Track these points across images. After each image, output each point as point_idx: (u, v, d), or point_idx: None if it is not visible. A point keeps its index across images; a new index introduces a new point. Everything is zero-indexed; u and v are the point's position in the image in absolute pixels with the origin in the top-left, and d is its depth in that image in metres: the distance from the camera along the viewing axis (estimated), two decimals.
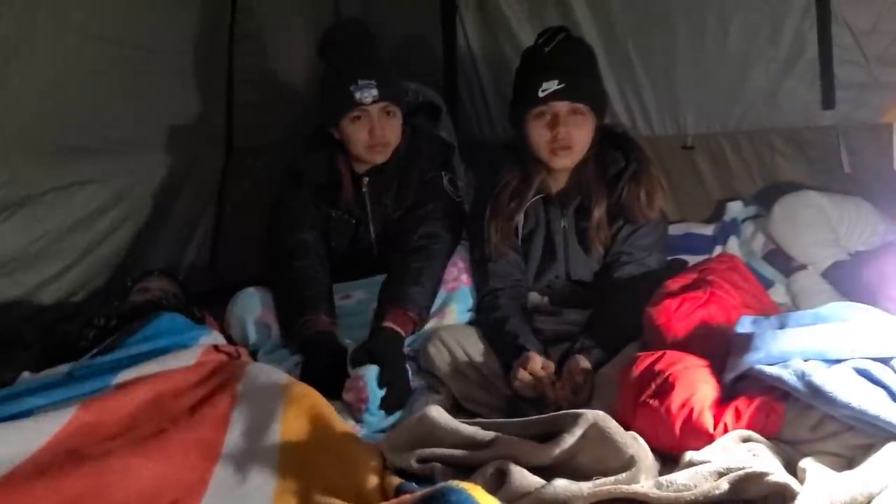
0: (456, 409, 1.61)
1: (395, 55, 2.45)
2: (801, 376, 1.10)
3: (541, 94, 1.72)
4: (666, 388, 1.20)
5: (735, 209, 2.32)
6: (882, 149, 2.18)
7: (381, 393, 1.56)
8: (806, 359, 1.16)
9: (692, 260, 2.15)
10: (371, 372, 1.57)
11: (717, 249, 2.24)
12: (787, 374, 1.12)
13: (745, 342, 1.21)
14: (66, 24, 1.99)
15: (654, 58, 2.36)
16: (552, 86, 1.72)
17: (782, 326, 1.23)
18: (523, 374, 1.53)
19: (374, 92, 1.90)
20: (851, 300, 2.01)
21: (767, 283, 2.06)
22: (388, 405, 1.58)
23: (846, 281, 2.07)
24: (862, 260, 2.10)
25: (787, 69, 2.23)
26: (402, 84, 2.07)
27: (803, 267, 2.12)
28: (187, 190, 2.50)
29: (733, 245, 2.23)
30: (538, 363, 1.54)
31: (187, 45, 2.41)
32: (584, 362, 1.55)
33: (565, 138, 1.74)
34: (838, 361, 1.15)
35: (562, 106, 1.73)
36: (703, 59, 2.31)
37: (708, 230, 2.32)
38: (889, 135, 2.17)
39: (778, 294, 2.08)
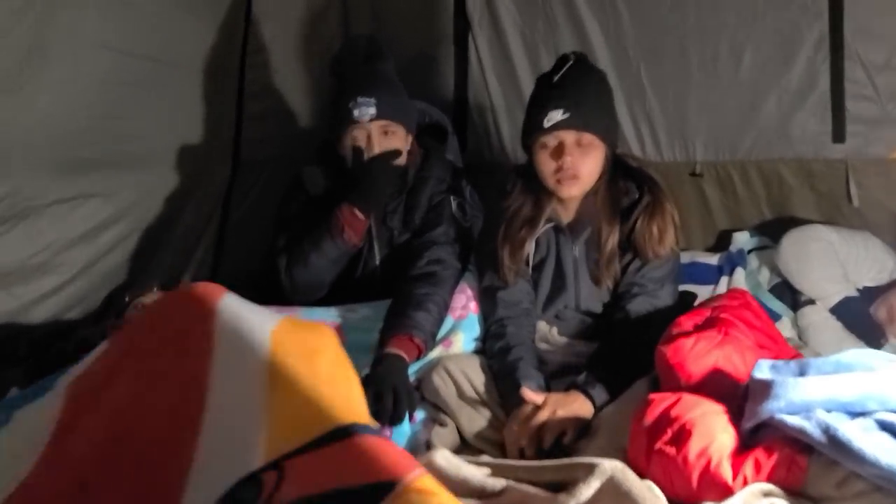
0: (461, 444, 1.58)
1: (406, 73, 2.42)
2: (826, 429, 1.08)
3: (546, 125, 1.71)
4: (683, 436, 1.18)
5: (741, 240, 2.31)
6: (892, 185, 2.18)
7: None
8: (829, 409, 1.13)
9: (697, 290, 2.14)
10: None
11: (723, 280, 2.23)
12: (810, 426, 1.10)
13: (765, 388, 1.19)
14: (81, 34, 1.98)
15: (666, 84, 2.36)
16: (557, 115, 1.70)
17: (803, 373, 1.21)
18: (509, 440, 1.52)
19: (372, 110, 1.88)
20: (860, 337, 2.05)
21: (774, 317, 2.04)
22: (387, 417, 1.54)
23: (855, 317, 2.05)
24: (870, 296, 2.09)
25: (799, 101, 2.23)
26: (411, 104, 2.04)
27: (811, 302, 2.10)
28: (192, 203, 2.48)
29: (740, 277, 2.22)
30: (527, 409, 1.52)
31: (200, 58, 2.40)
32: (574, 408, 1.52)
33: (570, 168, 1.72)
34: (863, 414, 1.13)
35: (567, 135, 1.72)
36: (714, 87, 2.31)
37: (713, 260, 2.30)
38: None
39: (784, 328, 2.07)
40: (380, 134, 1.93)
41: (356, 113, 1.88)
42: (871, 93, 2.14)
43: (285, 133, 2.60)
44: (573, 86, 1.74)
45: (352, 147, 1.93)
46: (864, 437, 1.05)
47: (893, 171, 2.17)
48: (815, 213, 2.27)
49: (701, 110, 2.34)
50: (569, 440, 1.50)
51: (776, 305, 2.13)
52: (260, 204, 2.57)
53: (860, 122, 2.17)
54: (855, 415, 1.13)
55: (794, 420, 1.13)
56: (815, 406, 1.13)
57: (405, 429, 1.59)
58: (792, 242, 2.11)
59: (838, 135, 2.20)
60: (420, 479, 0.85)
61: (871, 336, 2.04)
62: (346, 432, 0.95)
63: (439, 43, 2.58)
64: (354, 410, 1.02)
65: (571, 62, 1.78)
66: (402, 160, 1.98)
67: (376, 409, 1.53)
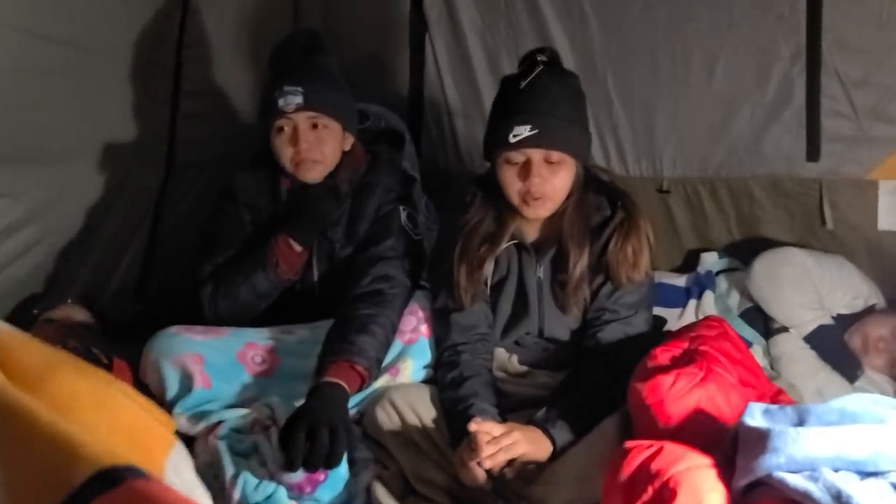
0: (406, 490, 1.40)
1: (358, 74, 2.26)
2: (838, 496, 0.92)
3: (511, 140, 1.53)
4: (666, 496, 1.01)
5: (710, 261, 2.20)
6: (867, 207, 2.09)
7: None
8: (836, 468, 0.98)
9: (664, 313, 2.03)
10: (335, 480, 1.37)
11: (692, 303, 2.12)
12: (817, 491, 0.94)
13: (760, 439, 1.03)
14: None
15: (635, 94, 2.24)
16: (524, 131, 1.52)
17: (801, 422, 1.06)
18: (465, 469, 1.35)
19: (299, 99, 1.70)
20: (835, 368, 1.94)
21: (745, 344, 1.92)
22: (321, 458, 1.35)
23: (830, 346, 1.96)
24: (845, 324, 1.99)
25: (773, 116, 2.12)
26: (348, 99, 1.85)
27: (784, 329, 2.00)
28: (117, 208, 2.26)
29: (709, 300, 2.11)
30: (482, 441, 1.35)
31: (129, 48, 2.20)
32: (528, 446, 1.37)
33: (538, 190, 1.55)
34: (875, 474, 0.98)
35: (535, 153, 1.54)
36: (685, 99, 2.20)
37: (681, 281, 2.19)
38: (874, 192, 2.08)
39: (755, 356, 1.93)
40: (308, 127, 1.74)
41: (281, 102, 1.70)
42: (847, 110, 2.05)
43: (226, 134, 2.40)
44: (542, 97, 1.56)
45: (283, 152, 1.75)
46: None
47: (869, 192, 2.07)
48: (787, 235, 2.17)
49: (670, 123, 2.22)
50: (510, 474, 1.35)
51: (747, 332, 2.03)
52: (196, 211, 2.36)
53: (836, 141, 2.07)
54: (865, 474, 0.98)
55: (796, 480, 0.97)
56: (819, 463, 0.98)
57: (342, 472, 1.40)
58: (764, 266, 2.01)
59: (813, 153, 2.10)
60: None
61: (847, 367, 1.94)
62: (109, 480, 0.75)
63: (395, 43, 2.42)
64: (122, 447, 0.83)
65: (540, 68, 1.60)
66: (336, 162, 1.79)
67: (309, 449, 1.34)
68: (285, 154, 1.75)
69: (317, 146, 1.74)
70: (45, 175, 2.03)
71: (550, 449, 1.39)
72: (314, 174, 1.77)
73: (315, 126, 1.74)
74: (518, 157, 1.55)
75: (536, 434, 1.40)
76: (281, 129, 1.74)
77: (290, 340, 1.69)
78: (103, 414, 1.03)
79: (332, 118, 1.76)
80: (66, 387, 0.98)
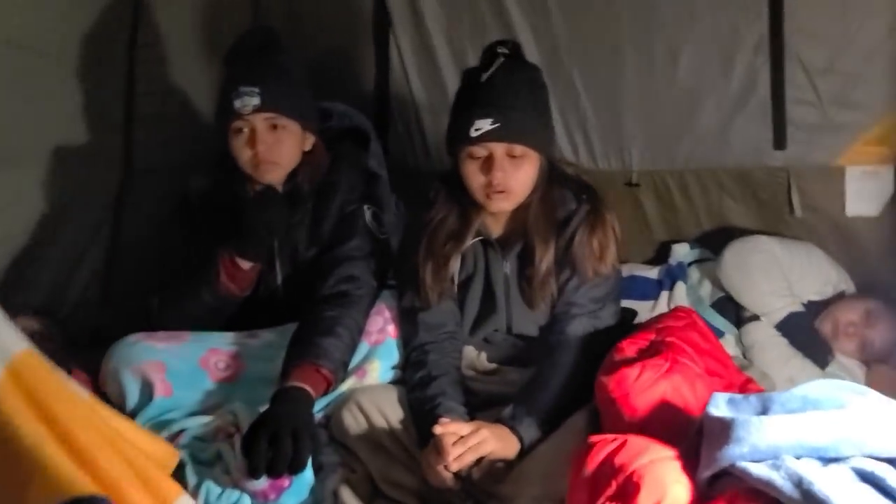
0: (374, 493, 1.37)
1: (322, 72, 2.22)
2: (799, 482, 0.91)
3: (473, 134, 1.50)
4: (629, 489, 0.99)
5: (681, 252, 2.20)
6: (834, 193, 2.10)
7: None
8: (798, 455, 0.97)
9: (636, 306, 2.03)
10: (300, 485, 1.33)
11: (664, 295, 2.13)
12: (779, 479, 0.93)
13: (724, 429, 1.02)
14: None
15: (600, 87, 2.23)
16: (485, 125, 1.49)
17: (765, 410, 1.04)
18: (432, 471, 1.32)
19: (256, 101, 1.65)
20: (806, 355, 1.94)
21: (717, 334, 1.90)
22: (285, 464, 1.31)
23: (801, 334, 1.97)
24: (815, 311, 1.99)
25: (739, 106, 2.12)
26: (308, 98, 1.80)
27: (755, 318, 2.00)
28: (75, 214, 2.17)
29: (681, 291, 2.11)
30: (448, 444, 1.32)
31: (75, 47, 2.10)
32: (495, 443, 1.35)
33: (501, 183, 1.52)
34: (836, 460, 0.97)
35: (497, 147, 1.52)
36: (651, 91, 2.19)
37: (653, 273, 2.19)
38: (841, 178, 2.09)
39: (728, 345, 1.95)
40: (266, 129, 1.69)
41: (237, 104, 1.65)
42: (812, 97, 2.04)
43: (186, 136, 2.33)
44: (504, 89, 1.53)
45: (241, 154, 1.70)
46: (843, 493, 0.89)
47: (836, 179, 2.08)
48: (756, 223, 2.17)
49: (637, 116, 2.21)
50: (477, 474, 1.32)
51: (719, 322, 2.03)
52: (158, 217, 2.28)
53: (802, 128, 2.07)
54: (827, 460, 0.97)
55: (759, 470, 0.95)
56: (782, 451, 0.96)
57: (307, 477, 1.37)
58: (734, 255, 2.02)
59: (779, 141, 2.11)
60: None
61: (818, 353, 1.95)
62: None
63: (358, 40, 2.39)
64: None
65: (501, 60, 1.57)
66: (296, 163, 1.75)
67: (273, 456, 1.30)
68: (243, 156, 1.70)
69: (275, 148, 1.69)
70: None
71: (518, 446, 1.37)
72: (273, 176, 1.72)
73: (274, 127, 1.69)
74: (480, 151, 1.53)
75: (504, 432, 1.38)
76: (239, 131, 1.69)
77: (254, 345, 1.66)
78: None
79: (290, 118, 1.71)
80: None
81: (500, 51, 1.59)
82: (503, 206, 1.57)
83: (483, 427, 1.36)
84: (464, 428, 1.34)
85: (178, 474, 1.35)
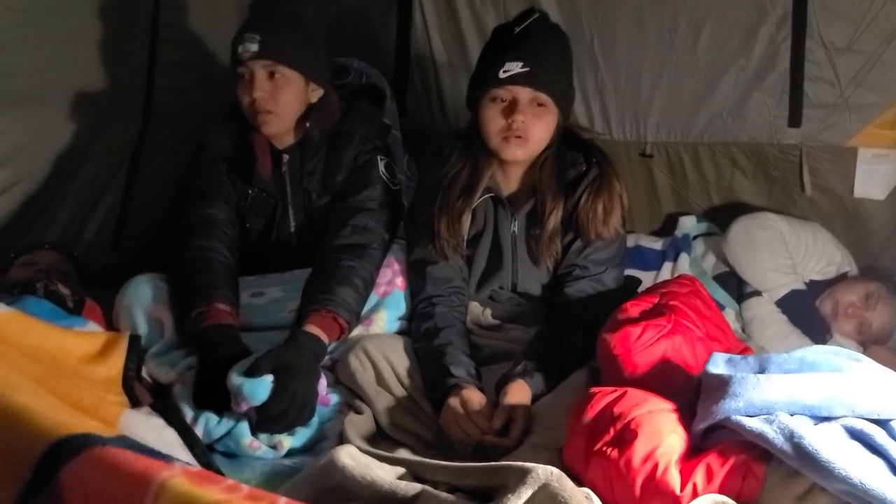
0: (379, 436, 1.41)
1: (344, 29, 2.23)
2: (790, 436, 0.94)
3: (501, 76, 1.52)
4: (627, 436, 1.03)
5: (688, 224, 2.21)
6: (845, 174, 2.10)
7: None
8: (792, 413, 1.00)
9: (639, 275, 2.05)
10: (254, 387, 1.33)
11: (667, 266, 2.14)
12: (771, 432, 0.96)
13: (721, 385, 1.05)
14: None
15: (620, 56, 2.22)
16: (515, 67, 1.51)
17: (763, 370, 1.08)
18: (455, 429, 1.35)
19: (254, 47, 1.63)
20: (805, 332, 1.96)
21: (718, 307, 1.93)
22: (275, 422, 1.35)
23: (801, 312, 1.98)
24: (817, 290, 2.01)
25: (757, 81, 2.12)
26: (315, 49, 1.76)
27: (757, 293, 2.01)
28: (94, 155, 2.21)
29: (684, 263, 2.12)
30: (475, 404, 1.35)
31: None
32: (519, 395, 1.37)
33: (521, 128, 1.54)
34: (828, 419, 1.00)
35: (522, 92, 1.54)
36: (670, 62, 2.19)
37: (658, 244, 2.20)
38: (853, 159, 2.09)
39: (728, 319, 1.94)
40: (265, 76, 1.66)
41: (240, 49, 1.65)
42: (830, 76, 2.04)
43: (205, 83, 2.35)
44: (536, 40, 1.56)
45: None
46: (833, 448, 0.92)
47: (848, 160, 2.08)
48: (765, 200, 2.18)
49: (655, 88, 2.21)
50: (516, 434, 1.33)
51: (720, 295, 2.03)
52: (173, 162, 2.31)
53: (817, 107, 2.07)
54: (820, 419, 1.00)
55: (753, 423, 0.99)
56: (776, 408, 1.00)
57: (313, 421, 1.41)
58: (740, 229, 2.03)
59: (795, 119, 2.10)
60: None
61: (817, 331, 1.96)
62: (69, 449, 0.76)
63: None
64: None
65: (536, 16, 1.60)
66: (295, 115, 1.73)
67: (275, 419, 1.35)
68: (243, 102, 1.70)
69: (272, 96, 1.67)
70: (17, 117, 1.97)
71: (530, 399, 1.40)
72: (271, 127, 1.71)
73: (272, 75, 1.67)
74: (505, 94, 1.55)
75: (522, 387, 1.40)
76: (241, 77, 1.68)
77: (259, 303, 1.67)
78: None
79: (290, 68, 1.68)
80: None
81: (533, 10, 1.62)
82: (517, 153, 1.58)
83: (515, 407, 1.36)
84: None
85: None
